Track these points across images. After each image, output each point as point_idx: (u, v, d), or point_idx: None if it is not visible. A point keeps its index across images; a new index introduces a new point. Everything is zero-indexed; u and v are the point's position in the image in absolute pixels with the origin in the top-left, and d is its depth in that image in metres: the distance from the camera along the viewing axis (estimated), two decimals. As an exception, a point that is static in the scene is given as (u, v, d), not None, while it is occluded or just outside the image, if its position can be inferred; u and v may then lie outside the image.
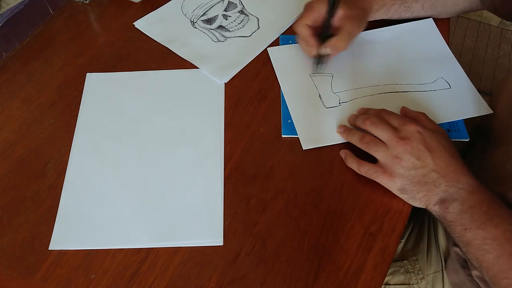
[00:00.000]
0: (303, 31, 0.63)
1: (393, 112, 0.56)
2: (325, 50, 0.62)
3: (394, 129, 0.53)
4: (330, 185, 0.55)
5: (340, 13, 0.61)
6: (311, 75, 0.65)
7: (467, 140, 0.59)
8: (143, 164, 0.57)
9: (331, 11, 0.61)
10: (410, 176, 0.51)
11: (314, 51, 0.63)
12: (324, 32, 0.63)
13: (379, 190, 0.53)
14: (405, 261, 0.68)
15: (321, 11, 0.62)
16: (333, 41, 0.62)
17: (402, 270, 0.67)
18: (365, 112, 0.58)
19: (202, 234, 0.51)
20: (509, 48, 1.76)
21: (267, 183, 0.55)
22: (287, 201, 0.54)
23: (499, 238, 0.47)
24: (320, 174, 0.56)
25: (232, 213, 0.53)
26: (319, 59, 0.64)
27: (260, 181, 0.55)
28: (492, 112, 0.61)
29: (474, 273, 0.58)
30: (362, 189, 0.54)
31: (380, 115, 0.56)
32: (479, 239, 0.48)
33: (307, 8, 0.64)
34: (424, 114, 0.56)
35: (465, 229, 0.49)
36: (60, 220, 0.52)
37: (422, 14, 0.70)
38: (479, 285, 0.58)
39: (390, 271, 0.67)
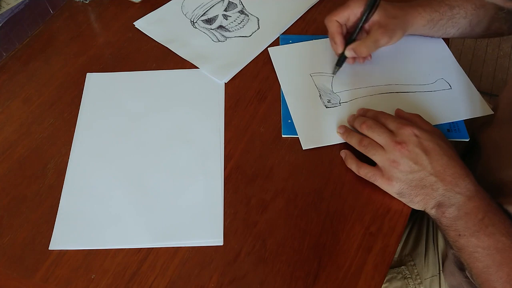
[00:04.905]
0: (332, 27, 0.61)
1: (390, 115, 0.56)
2: (348, 52, 0.60)
3: (391, 132, 0.52)
4: (330, 185, 0.55)
5: (373, 17, 0.59)
6: (311, 75, 0.65)
7: (467, 140, 0.59)
8: (143, 164, 0.57)
9: (367, 15, 0.58)
10: (407, 180, 0.51)
11: (339, 50, 0.61)
12: (353, 33, 0.61)
13: (379, 190, 0.53)
14: (402, 266, 0.68)
15: (355, 10, 0.60)
16: (355, 44, 0.59)
17: (400, 276, 0.67)
18: (363, 113, 0.58)
19: (202, 234, 0.51)
20: (509, 48, 1.76)
21: (267, 183, 0.55)
22: (287, 201, 0.54)
23: (490, 248, 0.47)
24: (320, 174, 0.56)
25: (232, 213, 0.53)
26: (341, 60, 0.62)
27: (260, 181, 0.55)
28: (493, 112, 0.60)
29: (468, 273, 0.58)
30: (362, 189, 0.54)
31: (377, 118, 0.55)
32: (471, 246, 0.48)
33: (344, 5, 0.61)
34: (419, 115, 0.56)
35: (459, 235, 0.49)
36: (60, 220, 0.52)
37: (468, 31, 0.66)
38: (475, 286, 0.58)
39: (387, 278, 0.67)
